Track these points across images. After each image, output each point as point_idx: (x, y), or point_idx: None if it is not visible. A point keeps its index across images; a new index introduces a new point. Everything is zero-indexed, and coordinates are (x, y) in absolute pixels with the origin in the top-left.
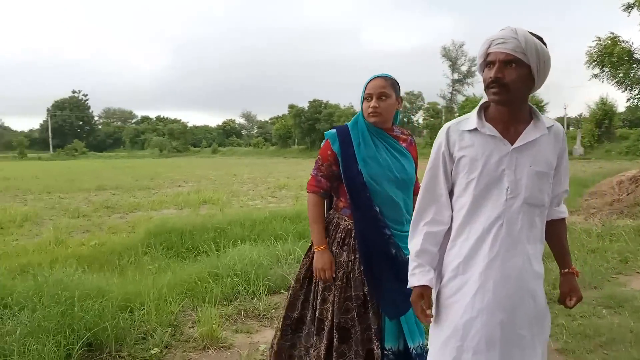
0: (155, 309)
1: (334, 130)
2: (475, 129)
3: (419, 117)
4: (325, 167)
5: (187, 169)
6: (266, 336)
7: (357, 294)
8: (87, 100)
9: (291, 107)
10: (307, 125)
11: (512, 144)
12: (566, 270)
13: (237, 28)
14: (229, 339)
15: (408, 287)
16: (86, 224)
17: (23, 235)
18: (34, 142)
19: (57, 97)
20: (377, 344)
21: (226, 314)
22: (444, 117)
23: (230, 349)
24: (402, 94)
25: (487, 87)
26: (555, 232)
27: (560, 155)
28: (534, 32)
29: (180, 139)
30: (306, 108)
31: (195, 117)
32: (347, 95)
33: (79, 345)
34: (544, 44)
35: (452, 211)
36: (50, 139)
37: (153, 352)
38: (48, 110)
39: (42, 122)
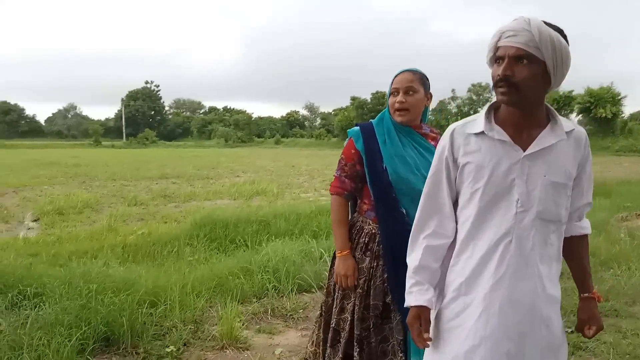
0: (179, 305)
1: (357, 128)
2: (482, 133)
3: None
4: (349, 167)
5: (248, 160)
6: (288, 338)
7: (376, 304)
8: (159, 91)
9: (353, 98)
10: (369, 117)
11: (524, 150)
12: (586, 294)
13: (305, 20)
14: (250, 339)
15: (405, 306)
16: (141, 212)
17: (81, 222)
18: (109, 131)
19: (131, 87)
20: (401, 355)
21: (252, 312)
22: None
23: (248, 349)
24: (469, 85)
25: (495, 86)
26: (575, 250)
27: (582, 163)
28: (552, 24)
29: (245, 130)
30: (369, 100)
31: (260, 109)
32: None
33: (93, 340)
34: (564, 37)
35: (457, 223)
36: (123, 128)
37: (168, 350)
38: (122, 100)
39: (117, 112)
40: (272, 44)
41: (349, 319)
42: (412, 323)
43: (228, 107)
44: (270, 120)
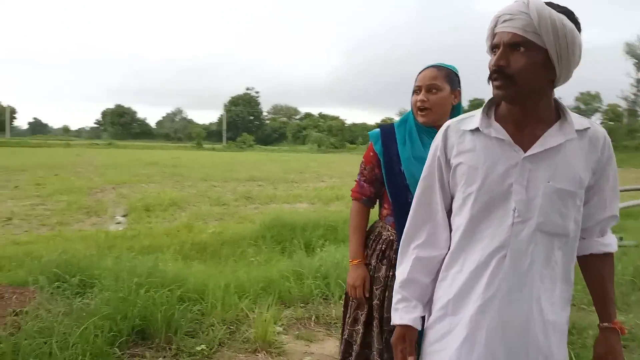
0: (222, 304)
1: (377, 130)
2: (478, 130)
3: (595, 120)
4: (367, 170)
5: (337, 165)
6: (325, 347)
7: (389, 317)
8: (258, 97)
9: None
10: None
11: (525, 151)
12: (606, 324)
13: (402, 26)
14: (285, 345)
15: (391, 324)
16: (221, 212)
17: (164, 219)
18: (211, 134)
19: (233, 93)
20: None
21: (296, 317)
22: (625, 121)
23: (281, 355)
24: (577, 93)
25: (490, 78)
26: (595, 271)
27: (601, 168)
28: (559, 5)
29: (338, 136)
30: (466, 107)
31: (355, 115)
32: None
33: (127, 333)
34: (574, 20)
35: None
36: (224, 132)
37: (199, 348)
38: (225, 105)
39: (219, 116)
40: (368, 51)
41: (362, 331)
42: (395, 344)
43: (323, 113)
44: (363, 126)
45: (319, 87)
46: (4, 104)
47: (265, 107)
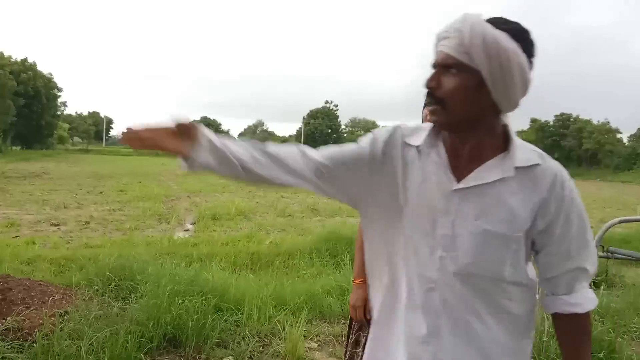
0: (258, 316)
1: None
2: (418, 147)
3: None
4: None
5: None
6: None
7: None
8: (337, 110)
9: (533, 120)
10: (550, 142)
11: (459, 182)
12: None
13: None
14: None
15: None
16: (285, 224)
17: (229, 228)
18: None
19: (313, 106)
20: None
21: (333, 334)
22: None
23: None
24: None
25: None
26: (562, 332)
27: (554, 211)
28: (508, 20)
29: None
30: (551, 122)
31: None
32: (603, 110)
33: (157, 339)
34: (523, 39)
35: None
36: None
37: None
38: (304, 118)
39: (298, 129)
40: None
41: (361, 354)
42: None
43: None
44: None
45: (397, 100)
46: (102, 114)
47: (344, 120)
